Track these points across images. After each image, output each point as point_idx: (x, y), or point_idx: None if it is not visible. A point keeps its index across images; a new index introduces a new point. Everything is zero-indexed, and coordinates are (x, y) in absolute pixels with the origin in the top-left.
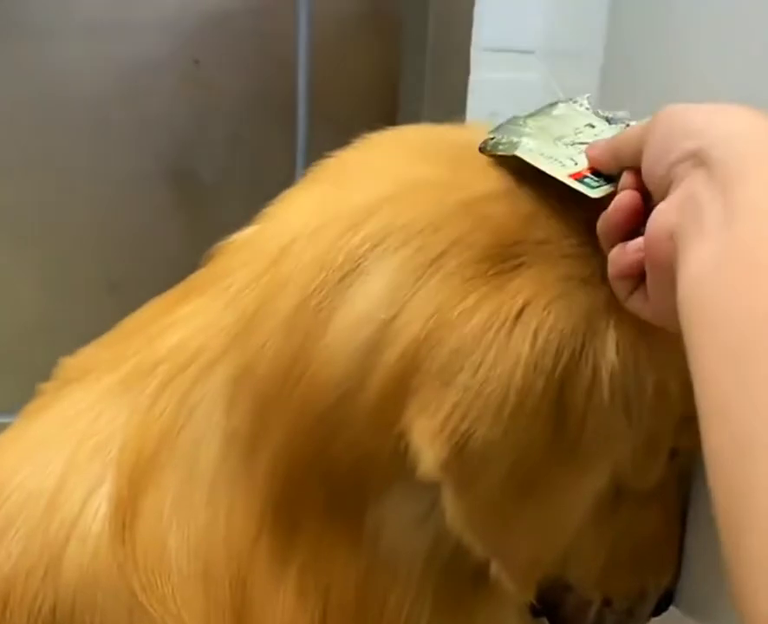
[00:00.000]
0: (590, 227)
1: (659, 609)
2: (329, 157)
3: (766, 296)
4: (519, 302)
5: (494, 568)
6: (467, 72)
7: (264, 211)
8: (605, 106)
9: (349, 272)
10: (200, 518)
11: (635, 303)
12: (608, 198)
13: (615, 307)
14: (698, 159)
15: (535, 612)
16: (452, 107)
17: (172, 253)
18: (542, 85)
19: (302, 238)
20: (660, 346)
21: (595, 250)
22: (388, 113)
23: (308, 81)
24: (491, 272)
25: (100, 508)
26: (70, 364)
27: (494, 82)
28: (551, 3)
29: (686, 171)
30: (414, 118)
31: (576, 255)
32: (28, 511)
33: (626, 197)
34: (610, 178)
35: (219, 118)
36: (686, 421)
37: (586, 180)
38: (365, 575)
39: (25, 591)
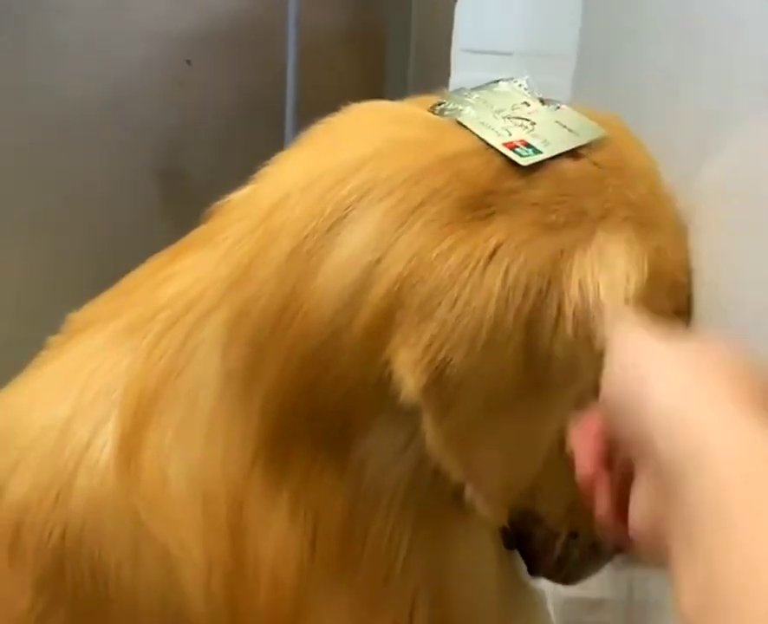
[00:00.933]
0: (553, 179)
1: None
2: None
3: None
4: (492, 244)
5: (468, 491)
6: (448, 73)
7: (258, 172)
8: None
9: (338, 221)
10: (199, 450)
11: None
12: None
13: (575, 251)
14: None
15: (508, 544)
16: None
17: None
18: None
19: (294, 193)
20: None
21: (559, 200)
22: None
23: (296, 83)
24: (466, 218)
25: (106, 442)
26: (76, 317)
27: (474, 82)
28: (528, 9)
29: (640, 466)
30: None
31: (542, 203)
32: (39, 446)
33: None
34: (539, 150)
35: (210, 118)
36: None
37: (517, 150)
38: (350, 503)
39: (37, 518)
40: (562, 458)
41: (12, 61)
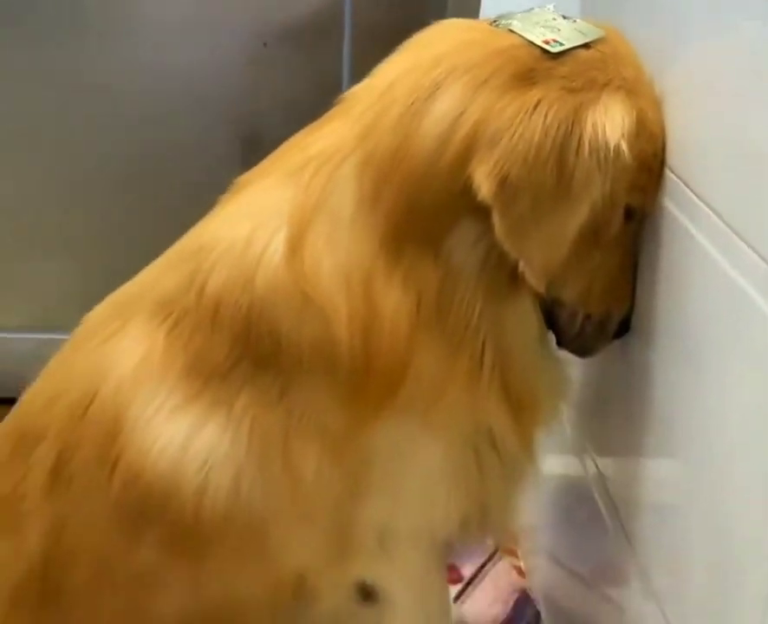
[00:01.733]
0: (573, 61)
1: (620, 332)
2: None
3: None
4: (535, 100)
5: (521, 266)
6: None
7: (373, 70)
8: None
9: (432, 92)
10: (342, 247)
11: None
12: None
13: (589, 104)
14: None
15: (545, 323)
16: None
17: None
18: None
19: (401, 77)
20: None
21: (577, 73)
22: None
23: (351, 63)
24: (517, 85)
25: (278, 247)
26: (240, 179)
27: None
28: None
29: None
30: None
31: (567, 76)
32: (229, 253)
33: None
34: (563, 43)
35: (281, 92)
36: (635, 187)
37: (550, 44)
38: (442, 279)
39: (230, 300)
40: (579, 256)
41: (123, 45)
